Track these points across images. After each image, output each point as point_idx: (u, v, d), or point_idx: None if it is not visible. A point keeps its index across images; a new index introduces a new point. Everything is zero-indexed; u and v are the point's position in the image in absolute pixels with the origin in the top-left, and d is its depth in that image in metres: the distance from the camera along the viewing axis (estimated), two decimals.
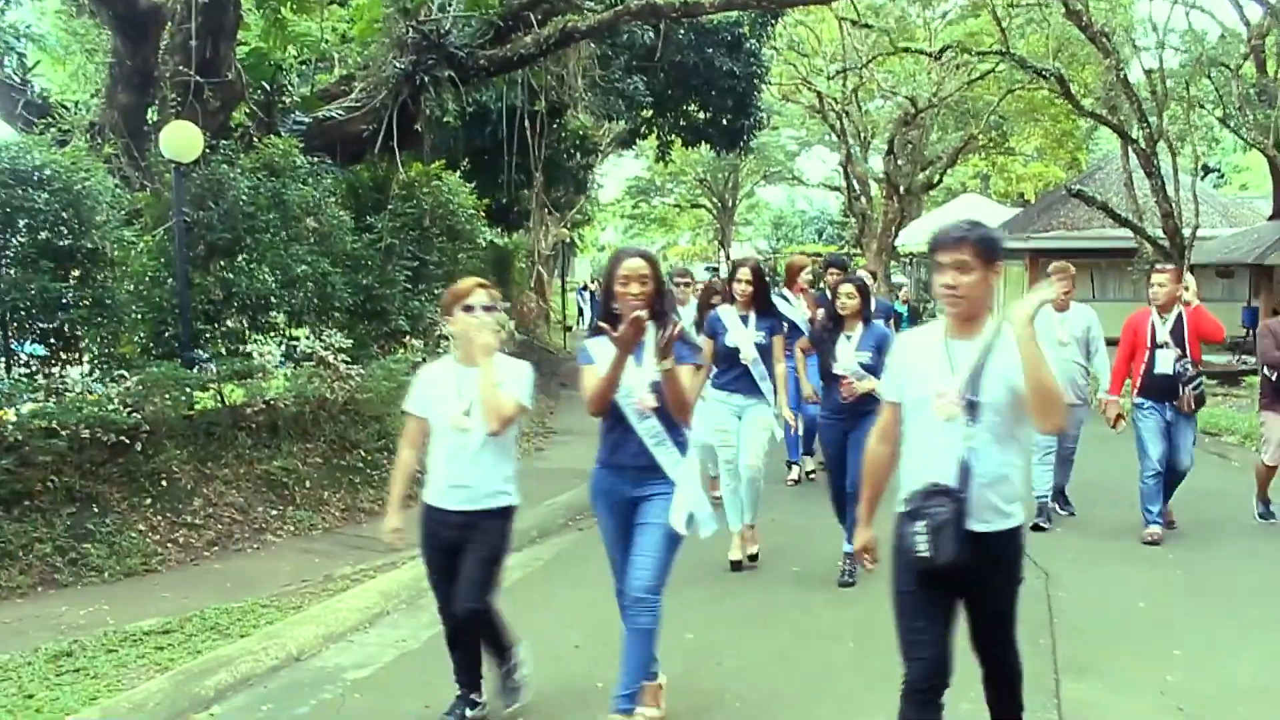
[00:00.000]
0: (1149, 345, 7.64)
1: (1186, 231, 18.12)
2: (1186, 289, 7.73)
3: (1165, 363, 7.55)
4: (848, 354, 6.63)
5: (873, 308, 7.89)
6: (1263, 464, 8.10)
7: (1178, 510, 8.03)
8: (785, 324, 7.70)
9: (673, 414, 4.27)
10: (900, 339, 3.79)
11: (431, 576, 4.58)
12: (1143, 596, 6.38)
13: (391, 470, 4.62)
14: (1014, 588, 3.67)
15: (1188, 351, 7.57)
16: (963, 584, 3.52)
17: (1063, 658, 5.33)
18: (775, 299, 8.17)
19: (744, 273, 7.02)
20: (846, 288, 6.77)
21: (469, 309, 4.38)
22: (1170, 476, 7.73)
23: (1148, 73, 18.68)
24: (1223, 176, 46.55)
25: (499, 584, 4.54)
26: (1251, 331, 20.47)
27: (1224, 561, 7.19)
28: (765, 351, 6.93)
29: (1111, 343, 7.93)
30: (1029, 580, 6.55)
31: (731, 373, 6.94)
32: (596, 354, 4.34)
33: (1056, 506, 8.37)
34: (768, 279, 7.30)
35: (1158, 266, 8.14)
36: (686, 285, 9.41)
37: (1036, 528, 7.89)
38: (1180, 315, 7.64)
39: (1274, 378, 7.86)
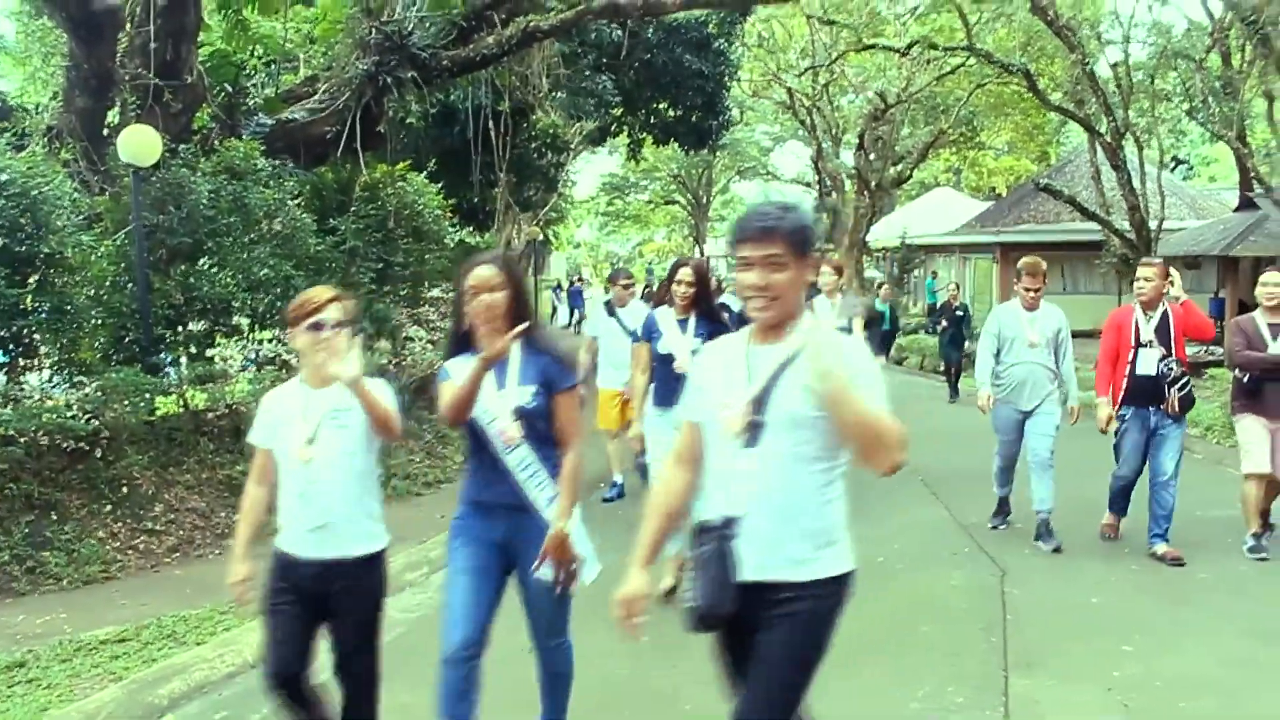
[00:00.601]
0: (1132, 344, 7.14)
1: (1153, 224, 18.27)
2: (1173, 284, 7.23)
3: (1149, 363, 7.06)
4: None
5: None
6: (1251, 477, 7.11)
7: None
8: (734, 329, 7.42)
9: (557, 443, 3.84)
10: (705, 347, 3.27)
11: (272, 633, 3.79)
12: (1096, 592, 6.43)
13: None
14: (806, 664, 2.93)
15: (1173, 350, 7.09)
16: (749, 640, 2.93)
17: (1013, 654, 5.38)
18: (727, 298, 7.93)
19: (685, 273, 6.36)
20: None
21: (317, 327, 3.72)
22: (1154, 489, 7.15)
23: (1113, 66, 18.81)
24: (1192, 168, 46.88)
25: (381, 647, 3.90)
26: (1219, 323, 20.64)
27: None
28: None
29: (1078, 335, 7.61)
30: (984, 578, 6.70)
31: (669, 385, 6.13)
32: (455, 373, 3.81)
33: (1041, 543, 7.43)
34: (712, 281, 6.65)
35: (1144, 260, 7.55)
36: (628, 287, 9.26)
37: (994, 527, 7.96)
38: (1166, 313, 7.15)
39: (1245, 379, 7.14)
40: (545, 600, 3.83)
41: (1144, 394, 7.10)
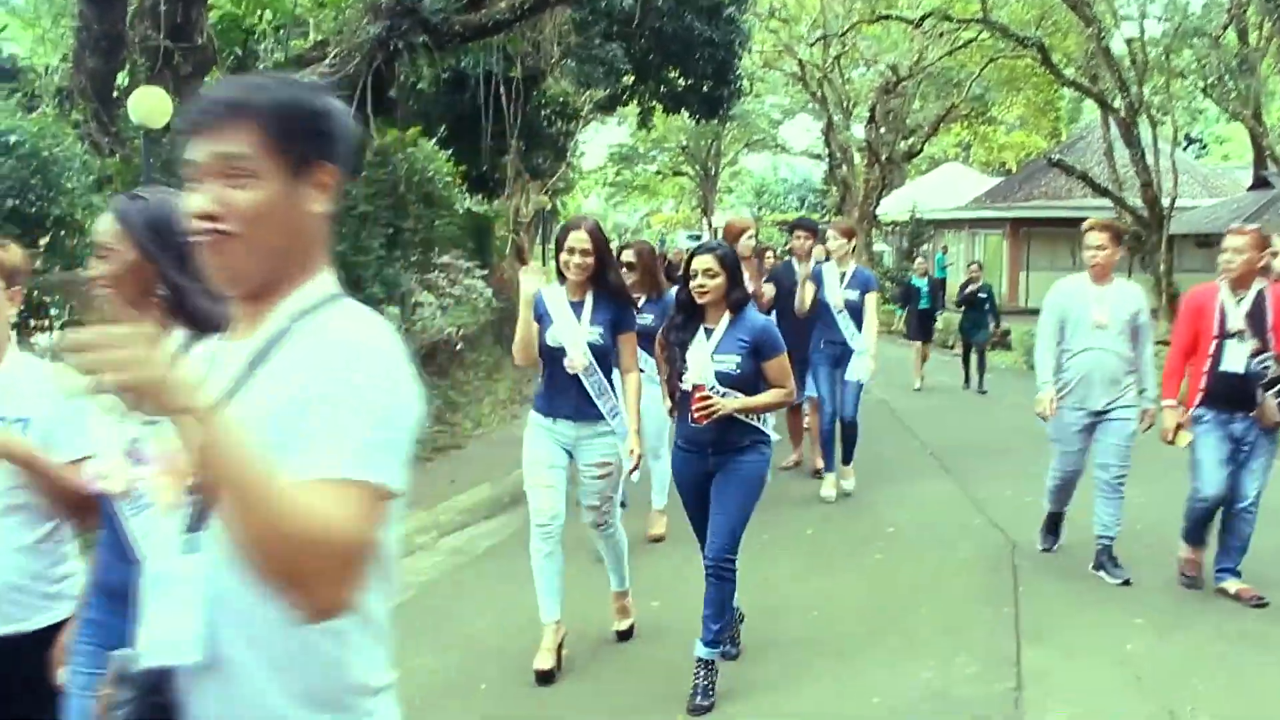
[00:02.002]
0: (1216, 334, 5.55)
1: (1166, 201, 18.18)
2: (1275, 254, 5.65)
3: (1236, 358, 5.48)
4: (702, 357, 4.48)
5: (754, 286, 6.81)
6: None
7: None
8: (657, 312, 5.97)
9: None
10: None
11: None
12: None
13: None
14: None
15: (1270, 343, 5.46)
16: None
17: (1025, 625, 5.37)
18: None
19: (577, 238, 4.65)
20: (704, 260, 4.47)
21: None
22: (1229, 515, 5.74)
23: (1128, 42, 18.69)
24: (1205, 147, 46.70)
25: None
26: None
27: None
28: (605, 356, 4.73)
29: None
30: (994, 550, 6.66)
31: (555, 387, 4.74)
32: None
33: (1104, 574, 6.14)
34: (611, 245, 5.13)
35: (1233, 227, 5.75)
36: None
37: (1046, 549, 6.66)
38: (1261, 294, 5.51)
39: None
40: None
41: (1229, 396, 5.55)
